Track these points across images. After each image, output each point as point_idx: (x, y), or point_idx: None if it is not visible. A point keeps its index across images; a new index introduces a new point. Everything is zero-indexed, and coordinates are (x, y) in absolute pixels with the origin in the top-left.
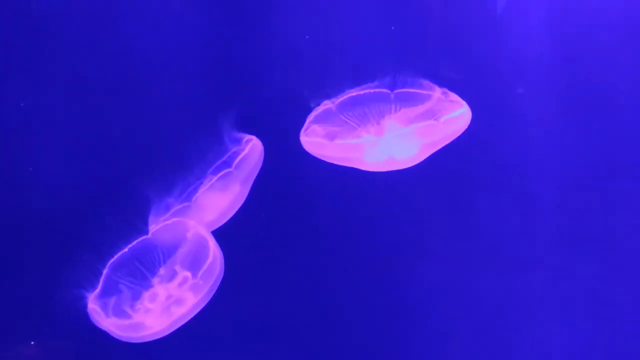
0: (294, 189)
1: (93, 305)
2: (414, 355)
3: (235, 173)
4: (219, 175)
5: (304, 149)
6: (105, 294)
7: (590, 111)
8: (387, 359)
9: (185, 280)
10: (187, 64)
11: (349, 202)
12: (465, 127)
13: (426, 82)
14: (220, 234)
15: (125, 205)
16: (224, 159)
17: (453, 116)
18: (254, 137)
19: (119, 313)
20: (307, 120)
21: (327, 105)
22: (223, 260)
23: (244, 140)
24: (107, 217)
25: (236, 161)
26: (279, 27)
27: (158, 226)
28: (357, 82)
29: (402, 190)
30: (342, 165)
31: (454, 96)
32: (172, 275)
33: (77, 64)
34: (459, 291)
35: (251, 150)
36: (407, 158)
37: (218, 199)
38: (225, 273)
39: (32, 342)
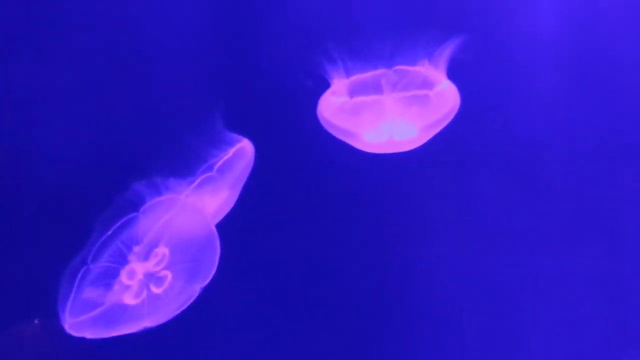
0: (297, 180)
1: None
2: (417, 340)
3: (218, 177)
4: (201, 178)
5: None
6: (78, 301)
7: (601, 93)
8: (392, 341)
9: (163, 258)
10: (180, 62)
11: (351, 191)
12: (456, 102)
13: (421, 60)
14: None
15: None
16: (210, 162)
17: (442, 89)
18: (243, 139)
19: (94, 304)
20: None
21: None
22: (218, 243)
23: (232, 143)
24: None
25: (219, 165)
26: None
27: (146, 205)
28: (356, 64)
29: (404, 173)
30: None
31: (441, 69)
32: (149, 253)
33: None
34: (464, 274)
35: (238, 153)
36: (407, 139)
37: (206, 201)
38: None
39: (36, 321)
